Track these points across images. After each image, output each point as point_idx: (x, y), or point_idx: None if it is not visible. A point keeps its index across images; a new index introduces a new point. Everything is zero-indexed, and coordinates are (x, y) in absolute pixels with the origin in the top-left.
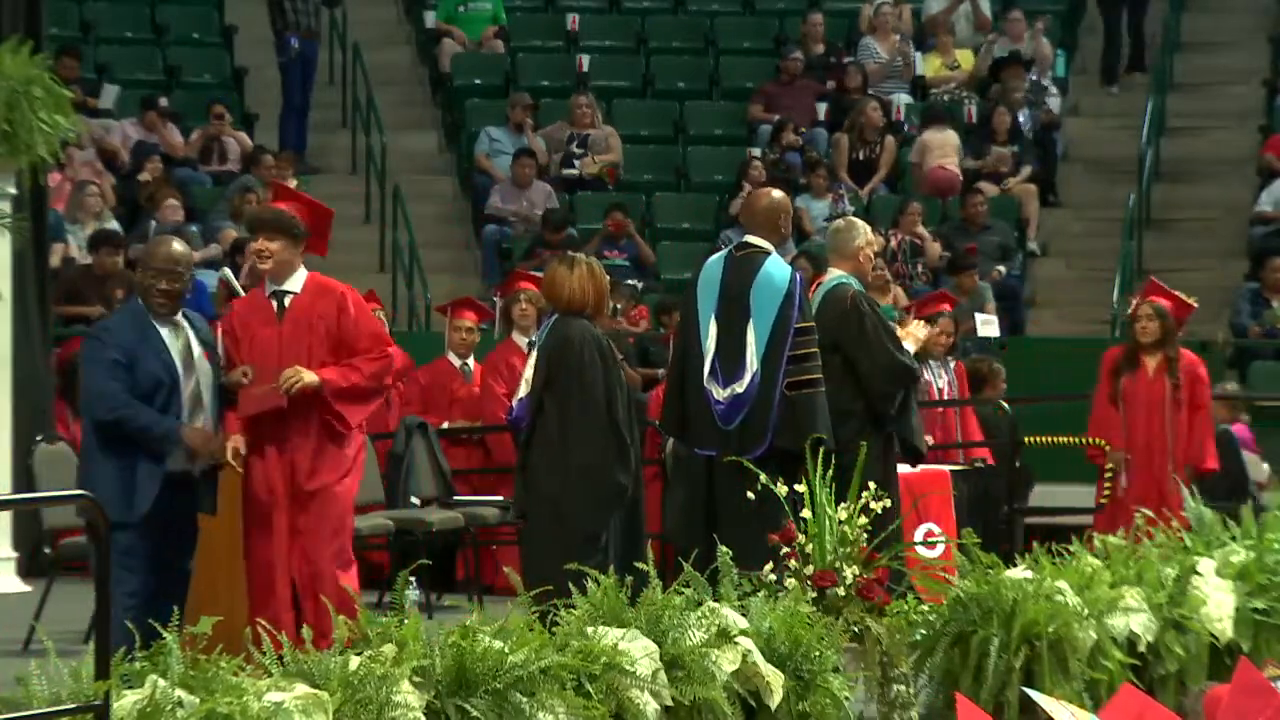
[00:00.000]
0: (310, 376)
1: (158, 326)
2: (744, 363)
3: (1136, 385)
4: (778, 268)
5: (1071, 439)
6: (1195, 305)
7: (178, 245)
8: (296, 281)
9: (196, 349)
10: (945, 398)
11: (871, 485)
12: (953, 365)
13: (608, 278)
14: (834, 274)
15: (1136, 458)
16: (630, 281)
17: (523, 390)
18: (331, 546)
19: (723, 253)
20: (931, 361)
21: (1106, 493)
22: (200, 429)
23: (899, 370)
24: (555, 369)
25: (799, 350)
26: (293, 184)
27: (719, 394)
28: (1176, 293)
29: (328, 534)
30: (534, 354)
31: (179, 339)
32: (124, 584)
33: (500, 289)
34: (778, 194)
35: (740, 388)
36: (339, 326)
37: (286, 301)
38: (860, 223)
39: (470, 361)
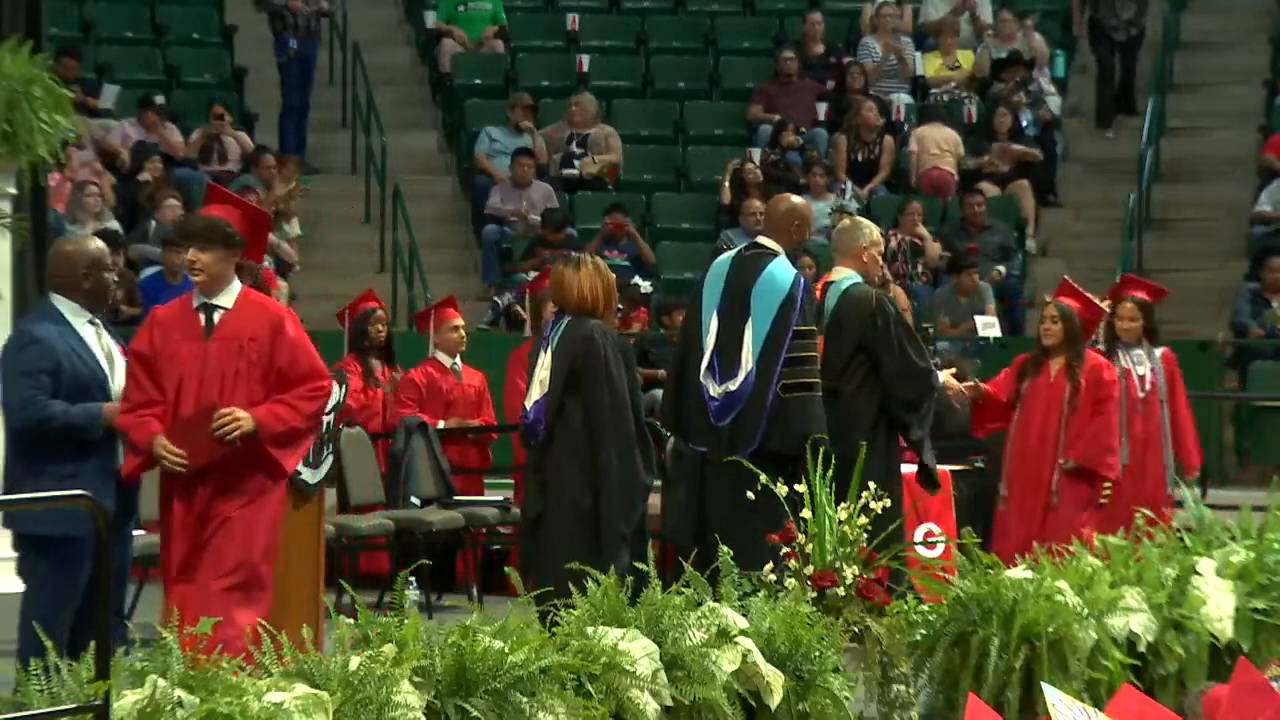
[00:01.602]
0: (248, 424)
1: (80, 328)
2: (740, 361)
3: (1037, 387)
4: (782, 269)
5: None
6: (1105, 309)
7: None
8: (229, 296)
9: (113, 346)
10: (1147, 388)
11: (871, 485)
12: (1159, 353)
13: (614, 276)
14: (842, 273)
15: (1025, 459)
16: (635, 283)
17: (537, 392)
18: (226, 580)
19: (733, 251)
20: (1132, 350)
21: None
22: (112, 404)
23: (921, 374)
24: (580, 371)
25: (797, 353)
26: (293, 184)
27: (713, 390)
28: (1088, 294)
29: (226, 566)
30: (544, 355)
31: (100, 338)
32: (71, 602)
33: (530, 286)
34: (797, 200)
35: (734, 385)
36: (272, 351)
37: (216, 317)
38: (866, 222)
39: (458, 361)
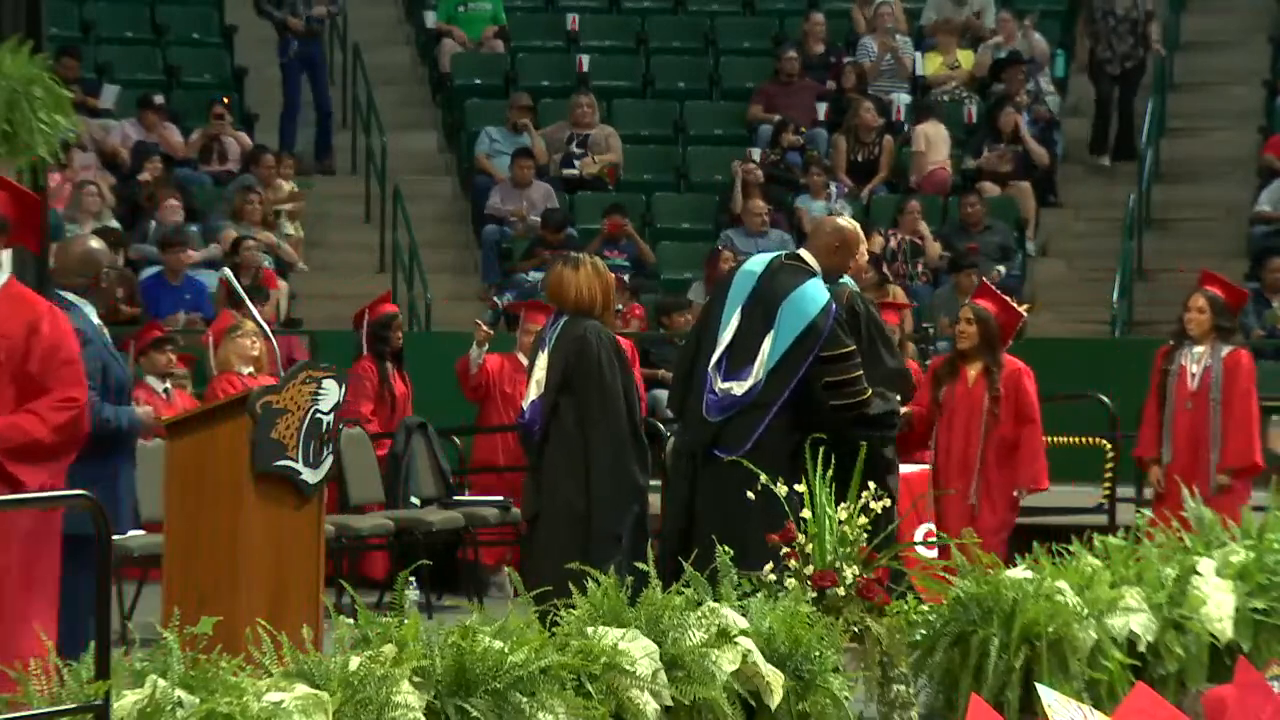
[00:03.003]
0: None
1: (102, 328)
2: (751, 368)
3: (955, 395)
4: (815, 293)
5: (1071, 439)
6: (1025, 313)
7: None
8: None
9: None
10: (1195, 385)
11: (871, 485)
12: (1224, 352)
13: (613, 276)
14: None
15: (950, 472)
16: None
17: (534, 392)
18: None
19: (771, 255)
20: (1194, 347)
21: (1106, 492)
22: (146, 408)
23: (894, 375)
24: (572, 371)
25: (840, 375)
26: (295, 184)
27: (716, 384)
28: (1005, 297)
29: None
30: (542, 355)
31: (105, 333)
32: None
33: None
34: (846, 224)
35: (737, 390)
36: (26, 352)
37: None
38: (855, 223)
39: None
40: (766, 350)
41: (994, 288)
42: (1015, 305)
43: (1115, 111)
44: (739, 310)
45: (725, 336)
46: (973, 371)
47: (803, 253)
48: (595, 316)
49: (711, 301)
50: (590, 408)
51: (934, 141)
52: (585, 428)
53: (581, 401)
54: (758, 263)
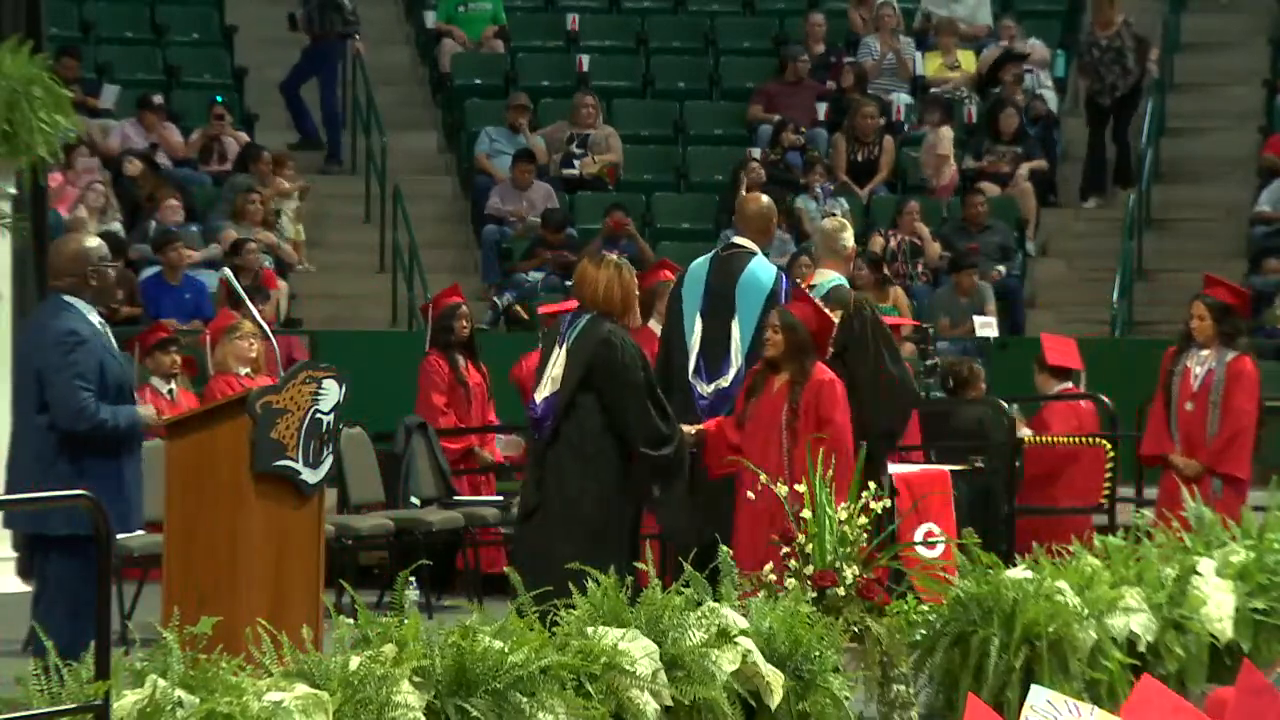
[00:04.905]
0: None
1: (100, 327)
2: (728, 359)
3: (760, 405)
4: (763, 268)
5: (1071, 439)
6: (835, 320)
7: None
8: None
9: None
10: (1195, 387)
11: (871, 485)
12: (1229, 357)
13: (634, 281)
14: (829, 275)
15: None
16: None
17: (548, 389)
18: None
19: (709, 253)
20: (1200, 350)
21: (1106, 492)
22: (149, 406)
23: (899, 387)
24: (599, 373)
25: None
26: (305, 179)
27: (703, 389)
28: (818, 302)
29: None
30: (558, 351)
31: (110, 336)
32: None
33: (643, 276)
34: (766, 199)
35: (725, 383)
36: None
37: None
38: (849, 224)
39: None
40: (737, 334)
41: (806, 292)
42: (828, 312)
43: (1113, 142)
44: (698, 315)
45: (694, 343)
46: (779, 381)
47: (738, 240)
48: (613, 316)
49: (669, 315)
50: (625, 411)
51: (944, 146)
52: (627, 435)
53: (614, 408)
54: (700, 265)
